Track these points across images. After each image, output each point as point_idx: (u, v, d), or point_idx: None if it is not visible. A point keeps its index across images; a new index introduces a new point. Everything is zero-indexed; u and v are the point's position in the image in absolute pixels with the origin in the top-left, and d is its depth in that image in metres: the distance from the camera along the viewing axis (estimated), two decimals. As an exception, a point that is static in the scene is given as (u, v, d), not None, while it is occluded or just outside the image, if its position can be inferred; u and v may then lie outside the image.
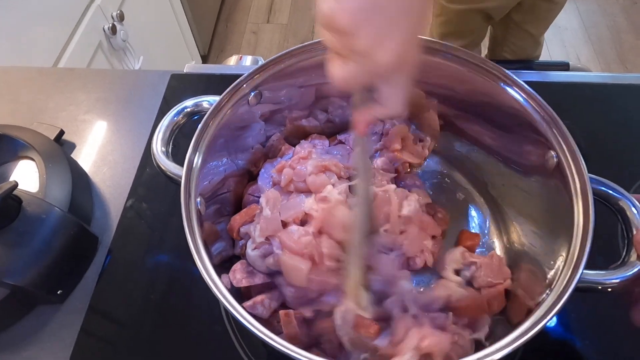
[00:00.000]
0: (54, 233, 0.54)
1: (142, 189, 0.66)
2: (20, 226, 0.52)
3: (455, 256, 0.53)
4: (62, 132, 0.68)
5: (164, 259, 0.61)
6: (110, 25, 1.20)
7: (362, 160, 0.47)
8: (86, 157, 0.70)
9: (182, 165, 0.47)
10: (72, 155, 0.69)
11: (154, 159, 0.51)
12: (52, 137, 0.67)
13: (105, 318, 0.56)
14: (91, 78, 0.79)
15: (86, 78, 0.79)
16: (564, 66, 1.04)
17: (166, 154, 0.51)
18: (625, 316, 0.54)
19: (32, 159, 0.61)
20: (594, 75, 0.82)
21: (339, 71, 0.36)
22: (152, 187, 0.66)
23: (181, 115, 0.54)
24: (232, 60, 0.85)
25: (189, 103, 0.54)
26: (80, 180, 0.64)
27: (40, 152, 0.61)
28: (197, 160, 0.48)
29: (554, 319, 0.46)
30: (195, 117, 0.54)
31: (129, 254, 0.61)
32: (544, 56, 1.52)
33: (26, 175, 0.60)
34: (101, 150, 0.71)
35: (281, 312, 0.47)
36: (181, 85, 0.77)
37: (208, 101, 0.54)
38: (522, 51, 1.25)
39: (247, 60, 0.83)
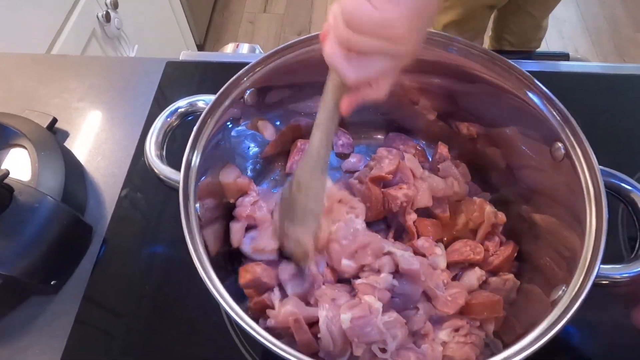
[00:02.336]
0: (46, 222, 0.53)
1: (136, 178, 0.65)
2: (12, 215, 0.51)
3: (472, 281, 0.52)
4: (54, 120, 0.67)
5: (159, 249, 0.60)
6: (104, 12, 1.18)
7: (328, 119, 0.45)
8: (80, 146, 0.68)
9: (177, 169, 0.45)
10: (66, 144, 0.68)
11: (148, 163, 0.49)
12: (45, 125, 0.65)
13: (100, 308, 0.55)
14: (84, 65, 0.78)
15: (79, 65, 0.77)
16: (564, 57, 1.03)
17: (160, 157, 0.49)
18: (622, 308, 0.54)
19: (24, 147, 0.60)
20: (594, 65, 0.81)
21: (357, 70, 0.37)
22: (147, 177, 0.65)
23: (174, 116, 0.52)
24: (229, 48, 0.83)
25: (182, 103, 0.52)
26: (73, 169, 0.63)
27: (32, 140, 0.60)
28: (195, 162, 0.46)
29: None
30: (190, 118, 0.52)
31: (124, 244, 0.60)
32: (542, 47, 1.51)
33: (18, 164, 0.58)
34: (95, 138, 0.69)
35: (290, 319, 0.46)
36: (177, 73, 0.76)
37: (204, 100, 0.52)
38: (524, 34, 1.25)
39: (244, 48, 0.82)
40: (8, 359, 0.52)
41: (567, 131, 0.45)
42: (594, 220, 0.41)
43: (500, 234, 0.55)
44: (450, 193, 0.56)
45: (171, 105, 0.52)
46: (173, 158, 0.49)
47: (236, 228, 0.53)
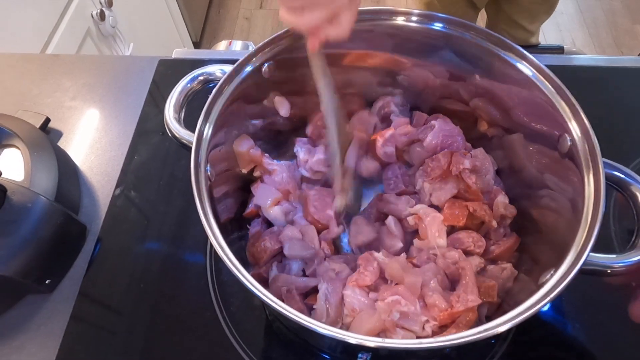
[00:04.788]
0: (40, 222, 0.53)
1: (130, 176, 0.65)
2: (4, 215, 0.51)
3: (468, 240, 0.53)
4: (47, 120, 0.67)
5: (154, 247, 0.60)
6: (99, 11, 1.18)
7: (320, 71, 0.50)
8: (73, 145, 0.69)
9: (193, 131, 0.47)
10: (59, 143, 0.68)
11: (166, 122, 0.51)
12: (38, 125, 0.65)
13: (94, 307, 0.56)
14: (77, 64, 0.77)
15: (71, 64, 0.77)
16: (559, 50, 1.03)
17: (178, 120, 0.51)
18: (614, 300, 0.54)
19: (17, 147, 0.60)
20: (589, 58, 0.81)
21: (294, 19, 0.45)
22: (140, 175, 0.65)
23: (195, 82, 0.54)
24: (222, 45, 0.83)
25: (201, 71, 0.54)
26: (67, 168, 0.63)
27: (25, 140, 0.60)
28: (209, 127, 0.47)
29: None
30: (210, 85, 0.54)
31: (119, 242, 0.60)
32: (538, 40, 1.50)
33: (11, 164, 0.59)
34: (88, 137, 0.69)
35: (283, 288, 0.48)
36: (170, 71, 0.76)
37: (221, 70, 0.54)
38: (514, 39, 1.24)
39: (237, 45, 0.82)
40: (4, 358, 0.52)
41: (574, 122, 0.46)
42: (590, 209, 0.41)
43: (507, 227, 0.55)
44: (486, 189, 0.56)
45: (192, 72, 0.54)
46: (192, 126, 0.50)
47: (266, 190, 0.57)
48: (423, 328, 0.45)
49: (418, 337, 0.45)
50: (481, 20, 1.34)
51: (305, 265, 0.52)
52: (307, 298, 0.50)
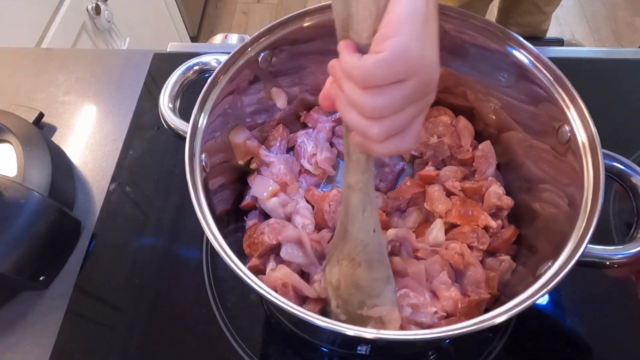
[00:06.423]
0: (33, 218, 0.52)
1: (125, 171, 0.64)
2: (-3, 211, 0.51)
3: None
4: (41, 115, 0.66)
5: (149, 242, 0.59)
6: (94, 5, 1.17)
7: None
8: (67, 140, 0.68)
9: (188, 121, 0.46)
10: (53, 139, 0.67)
11: (161, 114, 0.50)
12: (31, 120, 0.65)
13: (90, 303, 0.55)
14: (70, 58, 0.77)
15: (65, 58, 0.76)
16: (559, 42, 1.02)
17: (173, 110, 0.50)
18: (613, 294, 0.54)
19: (10, 143, 0.59)
20: (588, 50, 0.80)
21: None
22: (135, 170, 0.65)
23: (191, 72, 0.53)
24: (218, 38, 0.83)
25: (196, 60, 0.53)
26: (61, 163, 0.62)
27: (18, 136, 0.59)
28: (204, 117, 0.47)
29: (546, 295, 0.46)
30: (206, 75, 0.53)
31: (114, 238, 0.60)
32: (538, 33, 1.48)
33: (3, 160, 0.58)
34: (82, 132, 0.69)
35: (278, 281, 0.47)
36: (165, 65, 0.75)
37: (217, 59, 0.53)
38: (528, 26, 1.21)
39: (233, 39, 0.81)
40: (-2, 355, 0.52)
41: (573, 111, 0.45)
42: (589, 200, 0.41)
43: (504, 218, 0.55)
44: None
45: (186, 62, 0.54)
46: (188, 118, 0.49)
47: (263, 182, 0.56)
48: (433, 320, 0.45)
49: None
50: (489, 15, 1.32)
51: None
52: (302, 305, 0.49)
